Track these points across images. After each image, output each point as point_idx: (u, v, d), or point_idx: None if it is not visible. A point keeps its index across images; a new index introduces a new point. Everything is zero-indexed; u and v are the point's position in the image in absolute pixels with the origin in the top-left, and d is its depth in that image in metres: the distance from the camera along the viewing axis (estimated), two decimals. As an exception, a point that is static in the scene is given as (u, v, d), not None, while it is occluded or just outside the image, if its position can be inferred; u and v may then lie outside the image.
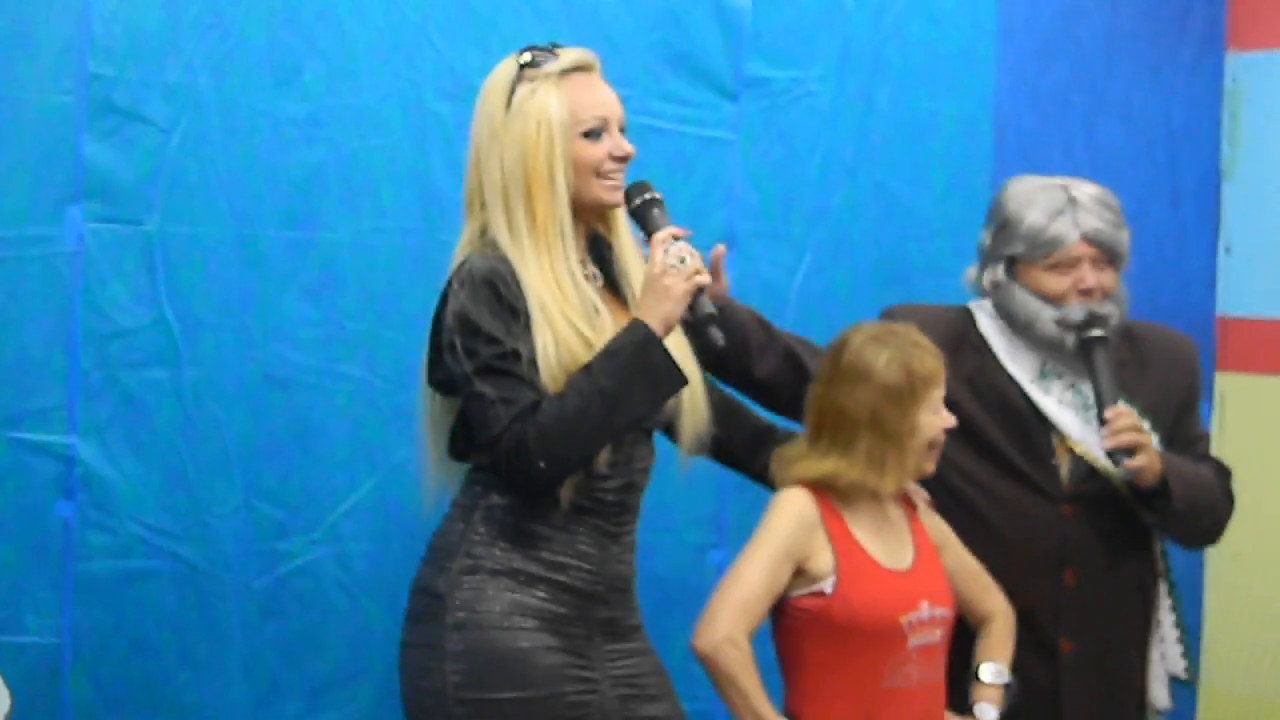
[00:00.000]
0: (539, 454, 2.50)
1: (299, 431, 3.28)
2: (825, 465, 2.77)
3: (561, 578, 2.62)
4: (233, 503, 3.23)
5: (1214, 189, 4.22)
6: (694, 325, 2.61)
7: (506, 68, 2.63)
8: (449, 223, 2.88)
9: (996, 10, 3.91)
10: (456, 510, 2.67)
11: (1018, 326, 3.05)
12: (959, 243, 3.54)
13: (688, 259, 2.56)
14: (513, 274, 2.56)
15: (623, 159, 2.63)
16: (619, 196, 2.64)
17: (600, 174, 2.62)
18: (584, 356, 2.55)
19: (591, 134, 2.60)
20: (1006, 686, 2.92)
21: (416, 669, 2.63)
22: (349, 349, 3.32)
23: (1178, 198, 4.17)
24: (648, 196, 2.65)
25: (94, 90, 3.09)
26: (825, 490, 2.80)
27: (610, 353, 2.53)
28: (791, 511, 2.77)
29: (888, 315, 3.07)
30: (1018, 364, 3.07)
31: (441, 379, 2.63)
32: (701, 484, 3.40)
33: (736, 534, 3.34)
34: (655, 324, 2.54)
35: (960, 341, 3.05)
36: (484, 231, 2.62)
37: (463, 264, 2.59)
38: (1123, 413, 2.93)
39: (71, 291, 3.10)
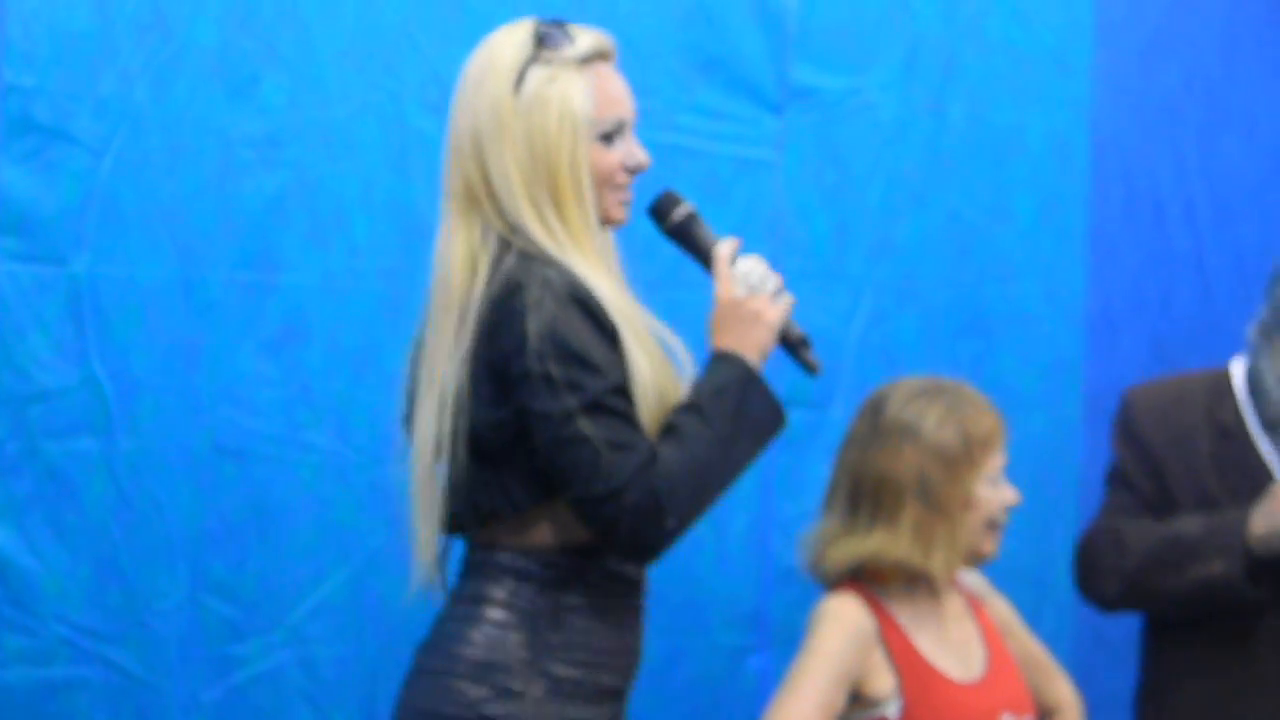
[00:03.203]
0: (671, 510, 2.35)
1: (255, 513, 3.17)
2: (871, 543, 2.73)
3: (623, 684, 2.47)
4: (176, 598, 3.11)
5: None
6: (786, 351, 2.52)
7: (514, 41, 2.49)
8: (436, 261, 2.98)
9: (1093, 2, 3.89)
10: (509, 615, 2.43)
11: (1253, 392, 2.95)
12: (1050, 284, 3.59)
13: (767, 276, 2.47)
14: (587, 286, 2.43)
15: (634, 170, 2.50)
16: (625, 214, 2.52)
17: (612, 186, 2.51)
18: (672, 389, 2.44)
19: (606, 138, 2.49)
20: None
21: None
22: (315, 414, 3.22)
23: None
24: (685, 211, 2.53)
25: (10, 104, 2.97)
26: (875, 589, 2.76)
27: (716, 391, 2.40)
28: (843, 625, 2.73)
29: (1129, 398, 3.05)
30: (1274, 444, 2.92)
31: (499, 419, 2.39)
32: (738, 574, 3.34)
33: (781, 635, 3.28)
34: (754, 357, 2.42)
35: (1210, 414, 2.96)
36: (484, 234, 2.45)
37: (519, 274, 2.39)
38: None
39: (-19, 346, 3.04)
